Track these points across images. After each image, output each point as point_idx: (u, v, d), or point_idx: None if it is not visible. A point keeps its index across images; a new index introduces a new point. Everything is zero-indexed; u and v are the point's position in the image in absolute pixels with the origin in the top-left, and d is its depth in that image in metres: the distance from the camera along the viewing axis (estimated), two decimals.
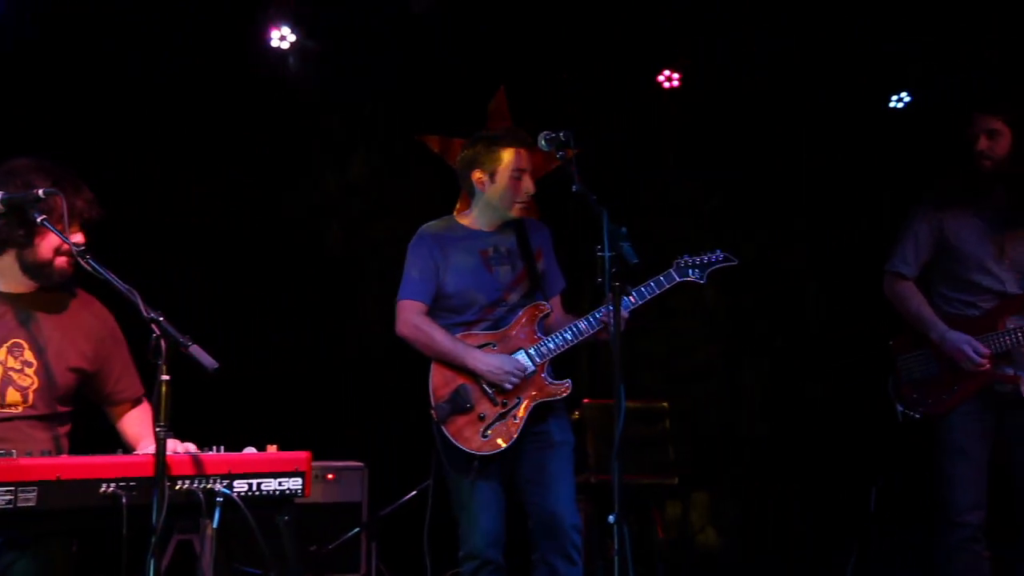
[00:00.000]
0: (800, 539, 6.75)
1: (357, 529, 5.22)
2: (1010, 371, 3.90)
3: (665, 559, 6.15)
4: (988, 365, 3.87)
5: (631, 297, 3.83)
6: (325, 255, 6.29)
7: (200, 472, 2.91)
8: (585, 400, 5.86)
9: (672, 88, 6.55)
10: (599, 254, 3.18)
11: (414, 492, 5.18)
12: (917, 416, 3.99)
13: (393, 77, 6.20)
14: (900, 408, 4.04)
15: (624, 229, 3.20)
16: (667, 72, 6.51)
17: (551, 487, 3.82)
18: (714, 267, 3.94)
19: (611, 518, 3.04)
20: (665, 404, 6.23)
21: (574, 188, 3.37)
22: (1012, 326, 3.89)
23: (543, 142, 3.52)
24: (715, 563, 6.63)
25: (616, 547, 3.03)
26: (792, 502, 6.88)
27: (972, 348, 3.87)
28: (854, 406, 6.86)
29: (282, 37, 5.84)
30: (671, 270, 3.94)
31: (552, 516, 3.79)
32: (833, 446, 6.93)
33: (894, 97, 6.55)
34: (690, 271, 3.91)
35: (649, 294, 3.89)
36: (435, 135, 6.37)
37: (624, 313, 3.64)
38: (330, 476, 5.24)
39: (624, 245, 3.17)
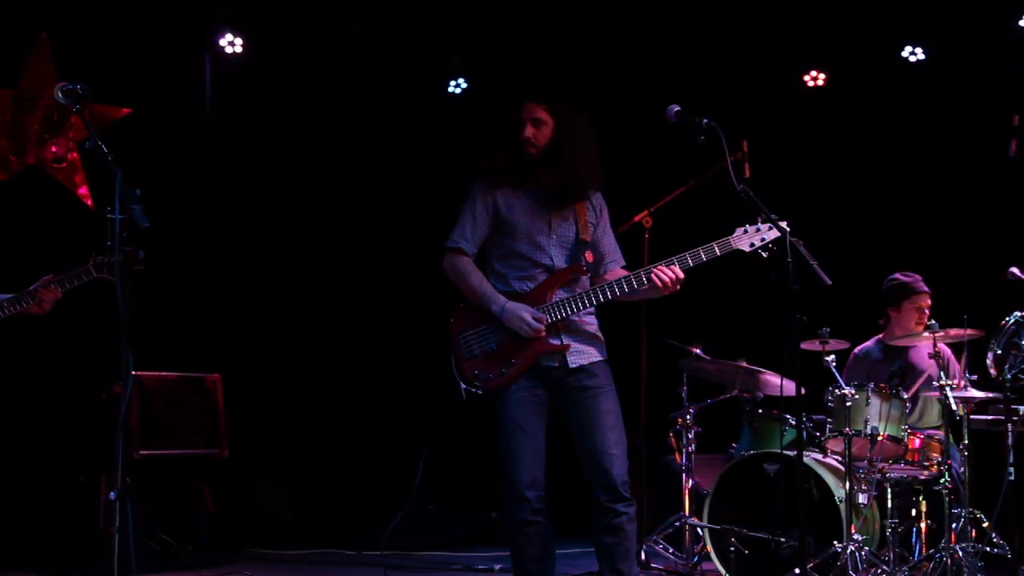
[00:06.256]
0: (351, 506, 6.91)
1: None
2: (557, 342, 4.12)
3: (215, 534, 6.03)
4: (544, 333, 4.07)
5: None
6: None
7: None
8: (133, 372, 5.57)
9: (235, 54, 6.40)
10: (108, 216, 3.02)
11: None
12: (479, 392, 4.05)
13: None
14: (464, 387, 4.07)
15: (139, 191, 3.07)
16: (230, 36, 6.36)
17: None
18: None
19: (112, 495, 2.90)
20: (217, 376, 6.08)
21: (87, 145, 3.17)
22: (558, 299, 4.13)
23: (59, 93, 3.30)
24: (272, 534, 6.57)
25: (117, 523, 2.89)
26: (346, 472, 7.02)
27: (531, 315, 4.05)
28: (407, 381, 7.14)
29: None
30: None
31: None
32: (385, 419, 7.17)
33: (452, 82, 6.85)
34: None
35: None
36: None
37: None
38: None
39: (136, 208, 3.04)
